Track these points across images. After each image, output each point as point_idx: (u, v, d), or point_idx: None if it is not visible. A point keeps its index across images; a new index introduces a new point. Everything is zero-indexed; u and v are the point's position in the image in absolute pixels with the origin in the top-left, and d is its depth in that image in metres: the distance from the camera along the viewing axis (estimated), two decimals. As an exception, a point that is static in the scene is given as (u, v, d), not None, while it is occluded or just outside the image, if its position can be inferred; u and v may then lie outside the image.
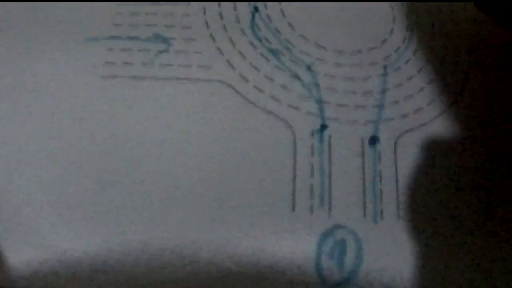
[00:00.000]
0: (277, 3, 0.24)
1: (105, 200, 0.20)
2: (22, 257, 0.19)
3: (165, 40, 0.23)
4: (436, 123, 0.23)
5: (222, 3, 0.24)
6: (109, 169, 0.21)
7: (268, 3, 0.24)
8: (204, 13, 0.24)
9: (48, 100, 0.22)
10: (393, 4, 0.25)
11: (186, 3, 0.24)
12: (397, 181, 0.22)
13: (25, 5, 0.24)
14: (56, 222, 0.20)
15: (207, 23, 0.24)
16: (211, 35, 0.23)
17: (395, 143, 0.22)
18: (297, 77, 0.23)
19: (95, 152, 0.21)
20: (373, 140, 0.22)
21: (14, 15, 0.24)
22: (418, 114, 0.23)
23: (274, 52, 0.23)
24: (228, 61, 0.23)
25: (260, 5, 0.24)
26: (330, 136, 0.22)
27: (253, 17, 0.24)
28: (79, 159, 0.21)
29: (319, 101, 0.22)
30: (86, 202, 0.20)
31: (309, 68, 0.23)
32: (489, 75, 0.24)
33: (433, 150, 0.22)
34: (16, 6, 0.24)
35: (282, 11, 0.24)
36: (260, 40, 0.23)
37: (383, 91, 0.23)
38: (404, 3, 0.25)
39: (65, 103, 0.22)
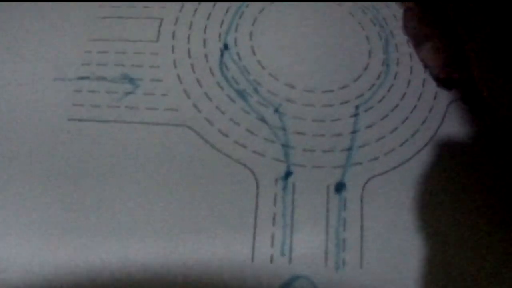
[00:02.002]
0: (247, 40, 0.24)
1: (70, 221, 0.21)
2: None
3: (132, 80, 0.23)
4: (409, 165, 0.22)
5: (191, 41, 0.24)
6: (74, 203, 0.21)
7: (238, 40, 0.24)
8: (173, 51, 0.24)
9: (14, 139, 0.22)
10: (369, 34, 0.25)
11: (156, 42, 0.24)
12: (362, 228, 0.21)
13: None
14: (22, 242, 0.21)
15: (175, 62, 0.23)
16: (178, 76, 0.23)
17: (363, 189, 0.22)
18: (263, 120, 0.22)
19: (61, 190, 0.21)
20: (340, 187, 0.22)
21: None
22: (389, 157, 0.22)
23: (241, 94, 0.23)
24: (194, 104, 0.23)
25: (230, 42, 0.24)
26: (294, 184, 0.21)
27: (222, 55, 0.24)
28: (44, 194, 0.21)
29: (285, 146, 0.22)
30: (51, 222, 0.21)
31: (276, 110, 0.23)
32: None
33: (403, 194, 0.22)
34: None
35: (252, 48, 0.24)
36: (227, 80, 0.23)
37: (353, 132, 0.23)
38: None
39: (32, 143, 0.22)
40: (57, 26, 0.25)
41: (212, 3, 0.25)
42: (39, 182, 0.21)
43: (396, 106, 0.23)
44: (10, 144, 0.22)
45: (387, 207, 0.21)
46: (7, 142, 0.22)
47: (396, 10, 0.26)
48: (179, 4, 0.25)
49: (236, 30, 0.24)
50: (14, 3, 0.25)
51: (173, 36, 0.24)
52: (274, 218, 0.21)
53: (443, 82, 0.24)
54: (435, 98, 0.24)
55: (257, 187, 0.21)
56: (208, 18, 0.25)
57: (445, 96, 0.24)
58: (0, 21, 0.25)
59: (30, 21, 0.25)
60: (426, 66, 0.25)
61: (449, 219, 0.21)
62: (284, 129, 0.22)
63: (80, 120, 0.22)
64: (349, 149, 0.22)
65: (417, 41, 0.25)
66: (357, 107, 0.23)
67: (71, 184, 0.21)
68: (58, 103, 0.23)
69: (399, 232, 0.21)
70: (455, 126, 0.23)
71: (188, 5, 0.25)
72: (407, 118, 0.23)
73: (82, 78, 0.23)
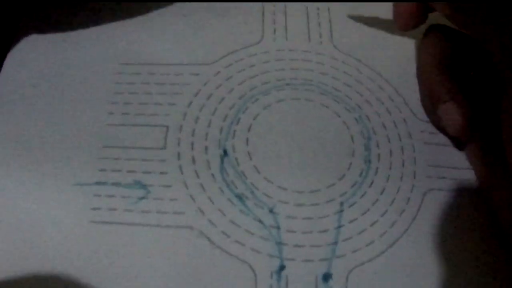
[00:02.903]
0: (244, 146, 0.27)
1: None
2: None
3: (144, 187, 0.26)
4: (387, 254, 0.25)
5: (194, 148, 0.27)
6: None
7: (236, 146, 0.27)
8: (179, 158, 0.27)
9: (41, 238, 0.25)
10: (353, 133, 0.28)
11: (163, 149, 0.27)
12: (347, 314, 0.25)
13: (18, 145, 0.27)
14: None
15: (181, 169, 0.27)
16: (184, 182, 0.26)
17: (347, 278, 0.25)
18: (260, 221, 0.26)
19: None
20: (326, 277, 0.25)
21: (8, 157, 0.27)
22: (370, 248, 0.25)
23: (239, 197, 0.26)
24: (199, 207, 0.26)
25: (228, 148, 0.27)
26: (287, 276, 0.25)
27: (222, 161, 0.27)
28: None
29: (279, 243, 0.25)
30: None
31: (271, 210, 0.26)
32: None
33: (384, 281, 0.25)
34: (10, 145, 0.27)
35: (249, 153, 0.27)
36: (228, 185, 0.26)
37: (338, 227, 0.26)
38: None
39: (56, 242, 0.25)
40: (72, 134, 0.28)
41: (212, 110, 0.29)
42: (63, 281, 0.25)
43: (376, 200, 0.27)
44: (37, 248, 0.25)
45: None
46: (33, 245, 0.25)
47: (378, 107, 0.29)
48: (182, 112, 0.28)
49: (233, 137, 0.28)
50: (29, 119, 0.28)
51: (179, 143, 0.28)
52: (270, 308, 0.24)
53: (458, 142, 0.27)
54: (411, 190, 0.27)
55: (255, 280, 0.24)
56: (208, 126, 0.28)
57: (420, 187, 0.27)
58: (19, 136, 0.28)
59: (46, 131, 0.28)
60: (440, 126, 0.28)
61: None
62: (278, 227, 0.26)
63: (100, 222, 0.26)
64: (334, 243, 0.25)
65: (436, 96, 0.27)
66: (341, 203, 0.26)
67: (95, 282, 0.24)
68: (80, 206, 0.26)
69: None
70: (430, 215, 0.26)
71: (190, 113, 0.28)
72: (386, 211, 0.26)
73: (99, 183, 0.27)
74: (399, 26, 0.29)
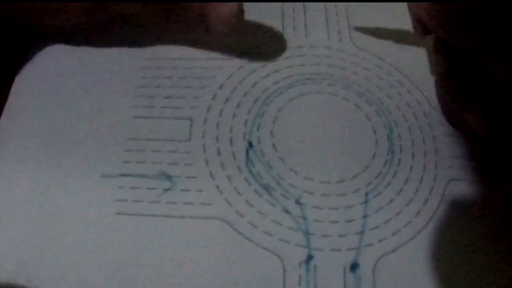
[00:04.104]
0: (269, 138, 0.27)
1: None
2: None
3: (169, 178, 0.26)
4: (414, 243, 0.25)
5: (219, 140, 0.27)
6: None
7: (261, 138, 0.27)
8: (204, 150, 0.27)
9: (67, 230, 0.25)
10: (375, 125, 0.28)
11: (188, 141, 0.27)
12: (376, 303, 0.25)
13: (45, 137, 0.28)
14: None
15: (206, 161, 0.27)
16: (210, 173, 0.27)
17: (374, 267, 0.25)
18: (287, 211, 0.26)
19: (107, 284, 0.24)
20: (354, 267, 0.25)
21: (35, 150, 0.27)
22: (396, 236, 0.26)
23: (266, 188, 0.26)
24: (226, 199, 0.26)
25: (254, 140, 0.27)
26: (315, 266, 0.25)
27: (247, 153, 0.27)
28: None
29: (306, 233, 0.25)
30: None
31: (297, 201, 0.26)
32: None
33: (411, 269, 0.25)
34: (37, 138, 0.28)
35: (274, 145, 0.27)
36: (254, 176, 0.27)
37: (364, 217, 0.26)
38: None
39: (82, 234, 0.25)
40: (97, 127, 0.28)
41: (236, 103, 0.29)
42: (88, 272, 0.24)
43: (401, 190, 0.27)
44: (63, 239, 0.25)
45: (397, 281, 0.25)
46: (60, 236, 0.25)
47: (398, 100, 0.29)
48: (206, 104, 0.29)
49: (258, 129, 0.28)
50: (55, 112, 0.29)
51: (203, 136, 0.28)
52: (299, 298, 0.24)
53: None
54: (434, 179, 0.27)
55: (284, 270, 0.25)
56: (233, 118, 0.28)
57: (443, 177, 0.27)
58: (45, 129, 0.28)
59: (73, 124, 0.28)
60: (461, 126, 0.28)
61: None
62: (305, 218, 0.26)
63: (126, 214, 0.26)
64: (361, 232, 0.26)
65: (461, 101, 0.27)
66: (366, 194, 0.26)
67: (122, 275, 0.24)
68: (105, 197, 0.26)
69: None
70: (453, 204, 0.27)
71: (215, 105, 0.29)
72: (410, 200, 0.27)
73: (124, 175, 0.27)
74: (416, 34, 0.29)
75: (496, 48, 0.23)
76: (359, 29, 0.33)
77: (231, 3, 0.27)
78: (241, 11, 0.28)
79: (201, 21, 0.28)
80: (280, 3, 0.34)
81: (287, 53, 0.31)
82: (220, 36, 0.28)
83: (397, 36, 0.32)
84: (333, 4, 0.34)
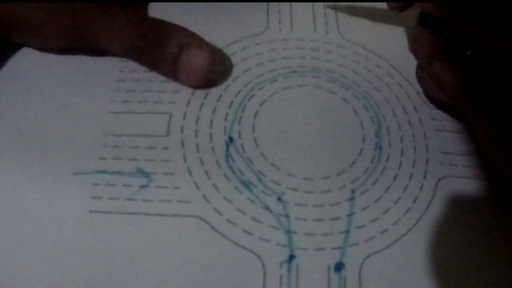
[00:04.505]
0: (250, 133, 0.26)
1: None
2: None
3: (146, 174, 0.25)
4: (401, 242, 0.24)
5: (198, 135, 0.26)
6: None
7: (242, 133, 0.26)
8: (182, 145, 0.26)
9: (37, 229, 0.24)
10: (363, 120, 0.27)
11: (166, 136, 0.26)
12: (362, 305, 0.23)
13: (17, 133, 0.26)
14: None
15: (184, 157, 0.26)
16: (188, 169, 0.25)
17: (360, 267, 0.24)
18: (268, 209, 0.25)
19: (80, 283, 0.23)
20: (339, 267, 0.24)
21: (7, 146, 0.26)
22: (383, 236, 0.24)
23: (246, 184, 0.25)
24: (204, 196, 0.25)
25: (234, 135, 0.26)
26: (297, 266, 0.23)
27: (227, 147, 0.26)
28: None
29: (288, 232, 0.24)
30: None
31: (279, 198, 0.25)
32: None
33: (398, 270, 0.24)
34: (9, 134, 0.26)
35: (255, 140, 0.26)
36: (233, 171, 0.25)
37: (350, 215, 0.25)
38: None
39: (54, 233, 0.24)
40: (72, 122, 0.27)
41: (217, 97, 0.28)
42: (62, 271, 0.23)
43: (389, 187, 0.25)
44: (35, 238, 0.24)
45: (384, 282, 0.23)
46: (31, 236, 0.24)
47: (387, 94, 0.28)
48: (186, 99, 0.28)
49: (239, 123, 0.27)
50: (29, 106, 0.27)
51: (182, 131, 0.27)
52: (280, 299, 0.23)
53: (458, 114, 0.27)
54: (424, 177, 0.26)
55: (264, 271, 0.23)
56: (213, 113, 0.27)
57: (434, 174, 0.26)
58: (18, 124, 0.27)
59: (46, 119, 0.27)
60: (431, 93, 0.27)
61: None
62: (287, 216, 0.24)
63: (100, 212, 0.24)
64: (347, 231, 0.24)
65: (435, 54, 0.25)
66: (353, 191, 0.25)
67: (95, 274, 0.23)
68: (79, 195, 0.25)
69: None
70: (444, 202, 0.25)
71: (194, 100, 0.28)
72: (399, 198, 0.25)
73: (99, 171, 0.25)
74: (389, 8, 0.28)
75: (495, 18, 0.22)
76: (332, 7, 0.32)
77: (202, 59, 0.27)
78: (212, 65, 0.27)
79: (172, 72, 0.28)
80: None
81: (271, 46, 0.30)
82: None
83: (371, 13, 0.32)
84: (320, -3, 0.33)
